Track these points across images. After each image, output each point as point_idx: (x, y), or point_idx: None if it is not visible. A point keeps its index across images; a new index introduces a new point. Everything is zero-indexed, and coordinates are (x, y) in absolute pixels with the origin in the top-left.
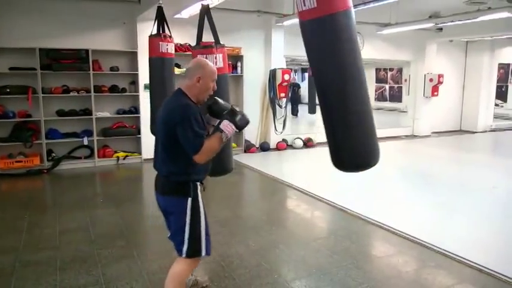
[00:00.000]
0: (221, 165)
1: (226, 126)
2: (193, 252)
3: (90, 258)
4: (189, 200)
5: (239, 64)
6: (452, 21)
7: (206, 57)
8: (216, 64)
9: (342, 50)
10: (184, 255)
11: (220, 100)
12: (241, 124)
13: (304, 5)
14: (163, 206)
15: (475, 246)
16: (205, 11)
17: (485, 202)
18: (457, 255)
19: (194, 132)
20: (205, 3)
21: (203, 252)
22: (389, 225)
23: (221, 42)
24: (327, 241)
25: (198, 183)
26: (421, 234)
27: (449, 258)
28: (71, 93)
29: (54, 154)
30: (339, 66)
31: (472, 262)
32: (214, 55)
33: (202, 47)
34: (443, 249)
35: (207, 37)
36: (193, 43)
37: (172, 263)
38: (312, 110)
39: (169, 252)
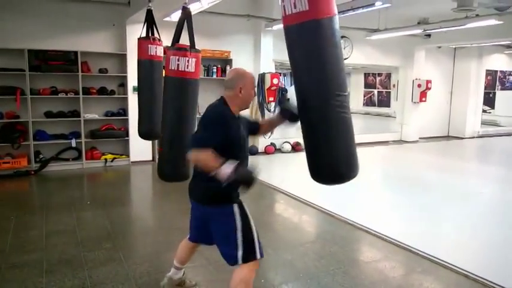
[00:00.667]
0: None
1: (226, 168)
2: (249, 255)
3: (77, 260)
4: (235, 205)
5: (228, 68)
6: (440, 28)
7: (178, 60)
8: (187, 68)
9: (330, 54)
10: (240, 261)
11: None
12: (230, 177)
13: (295, 8)
14: (205, 214)
15: (462, 251)
16: (187, 15)
17: (472, 208)
18: (444, 261)
19: (205, 134)
20: (189, 6)
21: (258, 255)
22: (377, 230)
23: (205, 47)
24: (314, 245)
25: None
26: (408, 240)
27: (436, 263)
28: (60, 95)
29: (42, 155)
30: (326, 70)
31: (459, 268)
32: (187, 58)
33: (176, 49)
34: (430, 255)
35: (204, 42)
36: None
37: (158, 265)
38: None
39: (156, 255)
